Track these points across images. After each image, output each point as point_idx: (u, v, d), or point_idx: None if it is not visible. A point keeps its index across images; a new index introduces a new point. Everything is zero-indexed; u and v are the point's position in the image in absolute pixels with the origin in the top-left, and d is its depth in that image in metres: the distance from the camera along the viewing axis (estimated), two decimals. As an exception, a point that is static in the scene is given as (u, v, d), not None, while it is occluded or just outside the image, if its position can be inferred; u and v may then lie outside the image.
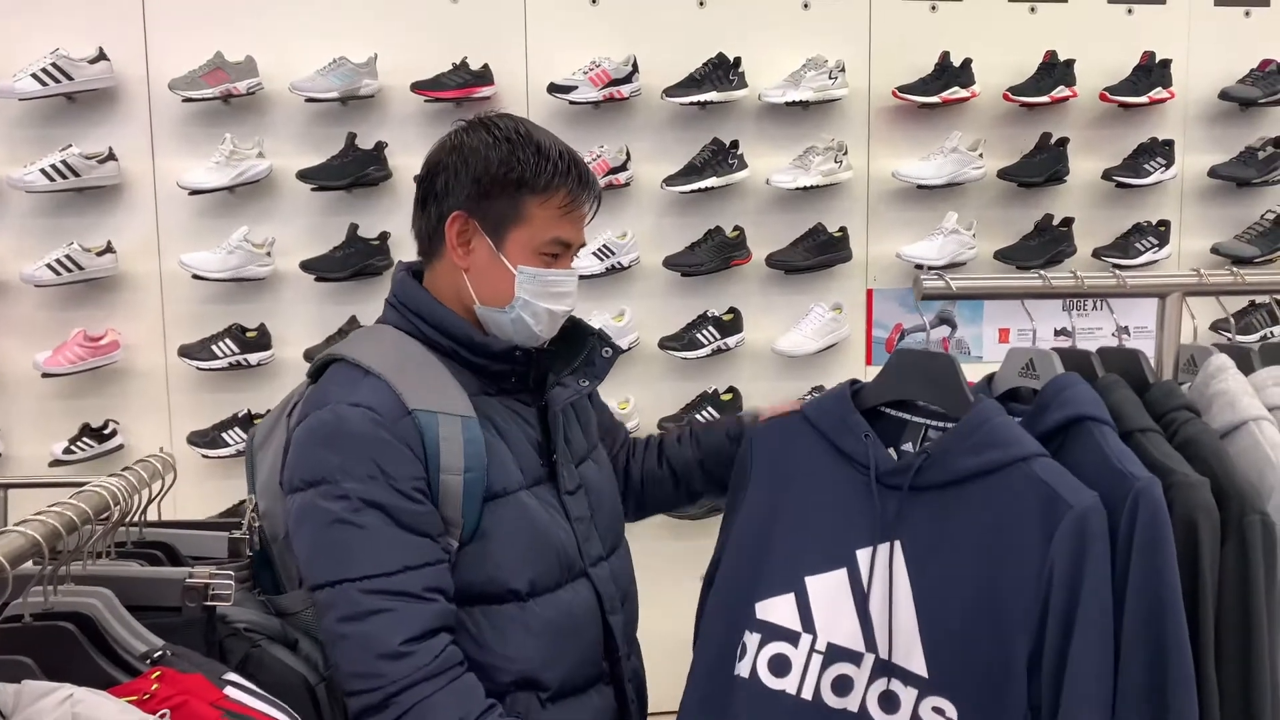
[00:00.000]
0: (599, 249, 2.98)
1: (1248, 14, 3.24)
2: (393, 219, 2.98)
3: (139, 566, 1.04)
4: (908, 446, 1.28)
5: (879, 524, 1.18)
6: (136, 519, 1.11)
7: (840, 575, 1.20)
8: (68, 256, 2.79)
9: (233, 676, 0.94)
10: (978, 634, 1.11)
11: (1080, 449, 1.13)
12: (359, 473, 1.15)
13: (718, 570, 1.34)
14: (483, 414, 1.25)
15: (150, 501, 1.09)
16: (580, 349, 1.38)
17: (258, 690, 0.94)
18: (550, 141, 1.30)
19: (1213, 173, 3.21)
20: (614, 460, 1.54)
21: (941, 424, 1.25)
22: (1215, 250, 3.23)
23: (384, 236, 2.95)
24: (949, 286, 1.20)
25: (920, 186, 3.11)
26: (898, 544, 1.16)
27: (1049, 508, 1.08)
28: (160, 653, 0.91)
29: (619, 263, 3.00)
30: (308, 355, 2.90)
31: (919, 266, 3.13)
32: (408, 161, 2.95)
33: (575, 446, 1.38)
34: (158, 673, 0.88)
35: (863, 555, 1.19)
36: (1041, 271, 1.28)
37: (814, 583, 1.22)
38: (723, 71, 3.00)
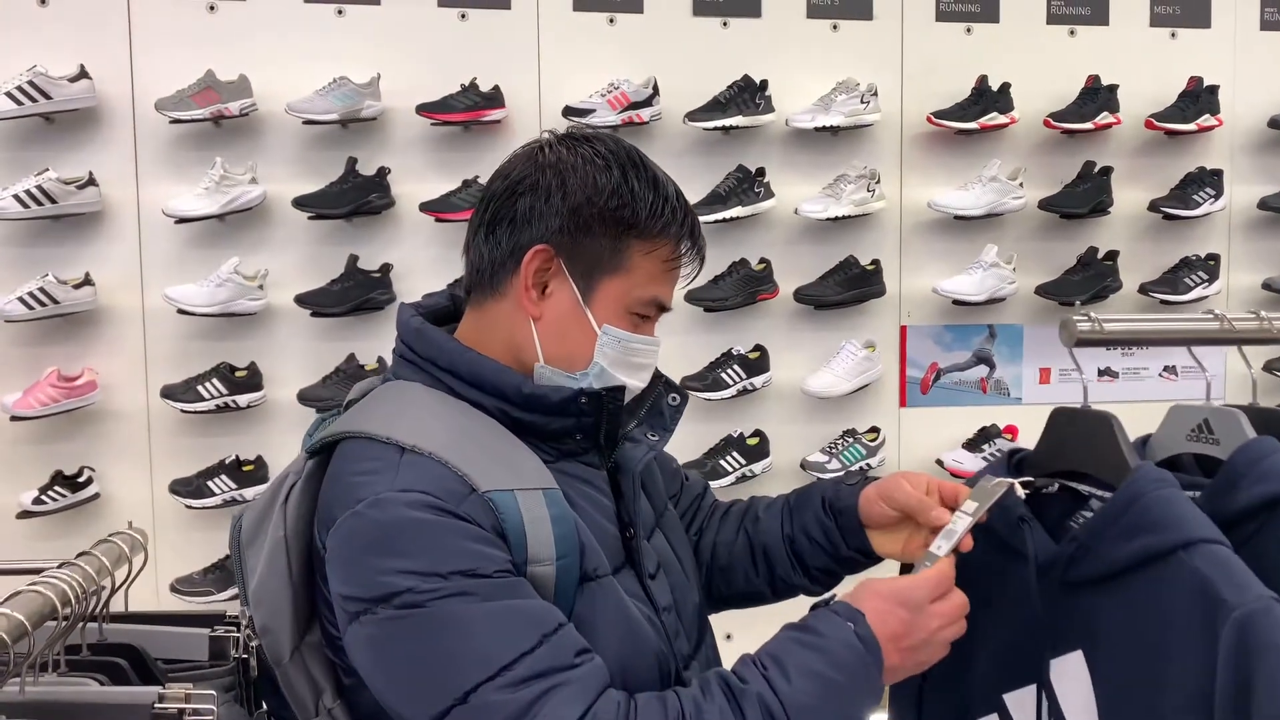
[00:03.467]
0: (617, 282, 2.78)
1: (1296, 38, 3.09)
2: (395, 250, 2.77)
3: (95, 686, 0.81)
4: (1076, 524, 1.06)
5: (1046, 629, 0.97)
6: (97, 611, 0.89)
7: (1031, 692, 1.02)
8: (41, 289, 2.57)
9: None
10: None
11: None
12: (433, 568, 0.90)
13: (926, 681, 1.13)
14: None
15: (115, 591, 0.86)
16: (644, 397, 1.13)
17: None
18: (665, 177, 1.08)
19: (1263, 204, 3.04)
20: (681, 518, 1.28)
21: (1108, 495, 1.03)
22: (1268, 286, 3.06)
23: (386, 268, 2.74)
24: (1101, 329, 0.99)
25: (957, 217, 2.93)
26: (1076, 653, 0.95)
27: (1209, 608, 0.86)
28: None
29: (638, 297, 2.80)
30: (302, 397, 2.68)
31: (956, 302, 2.95)
32: (411, 189, 2.76)
33: (646, 516, 1.15)
34: None
35: (1053, 664, 0.99)
36: (1217, 310, 1.07)
37: (1011, 700, 1.05)
38: (748, 95, 2.82)
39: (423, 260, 2.78)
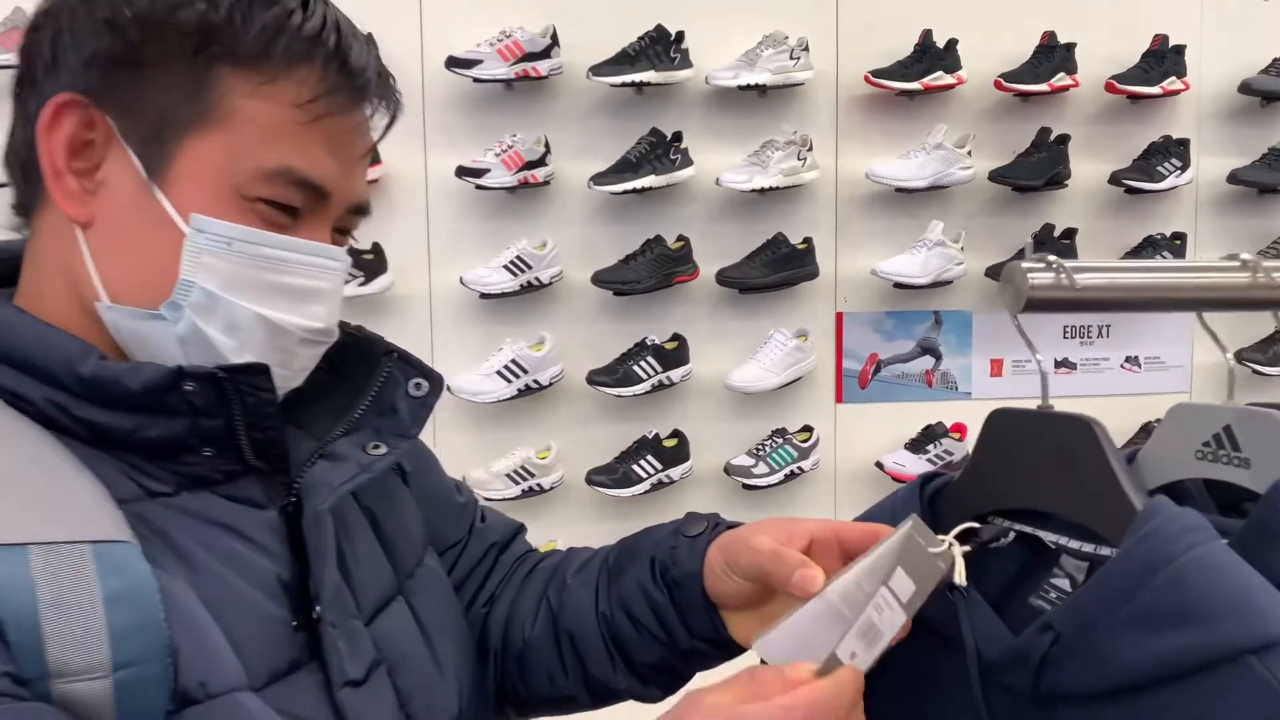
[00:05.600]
0: (511, 261, 2.42)
1: (1267, -4, 2.81)
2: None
3: None
4: (1045, 597, 0.69)
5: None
6: None
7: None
8: None
9: None
10: None
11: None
12: None
13: None
14: (149, 535, 0.60)
15: None
16: (360, 382, 0.75)
17: None
18: None
19: (1233, 178, 2.75)
20: (465, 581, 0.89)
21: (1093, 549, 0.66)
22: (1234, 178, 2.74)
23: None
24: (1071, 283, 0.63)
25: (899, 190, 2.60)
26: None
27: None
28: None
29: (537, 279, 2.44)
30: None
31: (897, 285, 2.62)
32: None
33: (366, 579, 0.73)
34: None
35: None
36: (1248, 256, 0.69)
37: None
38: (662, 48, 2.46)
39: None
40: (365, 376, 0.75)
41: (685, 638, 0.79)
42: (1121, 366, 2.86)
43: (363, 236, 2.49)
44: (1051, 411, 0.65)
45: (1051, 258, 0.62)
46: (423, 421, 0.76)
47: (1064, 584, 0.66)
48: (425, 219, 2.47)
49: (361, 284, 2.36)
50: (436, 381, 0.77)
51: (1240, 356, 2.79)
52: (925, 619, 0.65)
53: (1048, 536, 0.67)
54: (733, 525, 0.80)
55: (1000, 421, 0.69)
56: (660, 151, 2.47)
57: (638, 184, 2.44)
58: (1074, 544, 0.65)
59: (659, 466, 2.52)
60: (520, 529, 0.97)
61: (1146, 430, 2.81)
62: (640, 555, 0.83)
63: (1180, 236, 2.76)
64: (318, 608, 0.66)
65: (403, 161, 2.44)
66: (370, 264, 2.38)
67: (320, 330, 0.69)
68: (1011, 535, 0.68)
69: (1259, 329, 2.85)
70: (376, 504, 0.78)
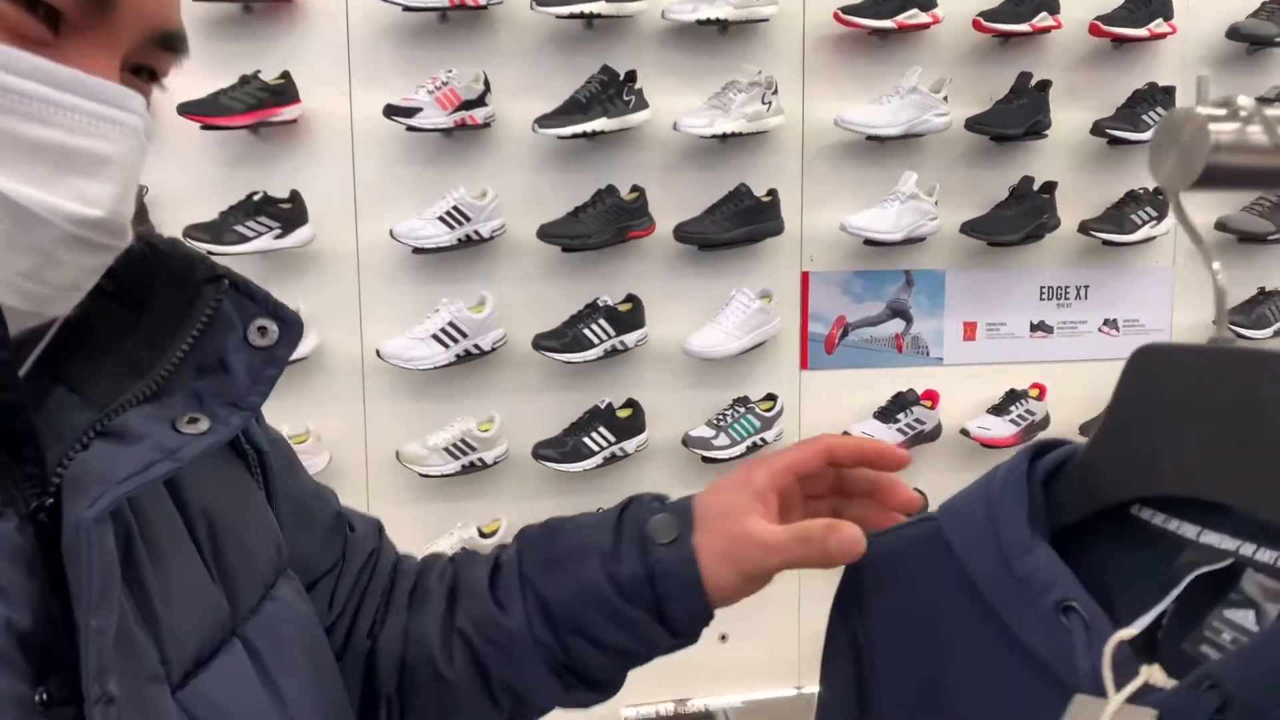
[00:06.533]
0: (448, 212, 2.18)
1: (1255, -65, 2.65)
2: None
3: None
4: (1213, 637, 0.46)
5: None
6: None
7: None
8: None
9: None
10: None
11: None
12: None
13: None
14: None
15: None
16: (176, 323, 0.52)
17: None
18: None
19: (1219, 128, 2.60)
20: (340, 613, 0.69)
21: None
22: (1221, 226, 2.62)
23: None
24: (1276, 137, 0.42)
25: (870, 138, 2.41)
26: None
27: None
28: None
29: (476, 232, 2.20)
30: None
31: (868, 241, 2.43)
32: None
33: (181, 621, 0.50)
34: None
35: None
36: None
37: None
38: (615, -24, 2.23)
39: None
40: (180, 315, 0.52)
41: (668, 641, 0.67)
42: (1099, 330, 2.71)
43: (279, 183, 2.26)
44: (1239, 348, 0.45)
45: (1243, 99, 0.42)
46: (269, 384, 0.53)
47: (1245, 618, 0.45)
48: (350, 164, 2.22)
49: (278, 237, 2.11)
50: (292, 326, 0.54)
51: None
52: (1028, 646, 0.45)
53: (1223, 543, 0.47)
54: (674, 505, 0.68)
55: (1152, 364, 0.49)
56: (612, 92, 2.24)
57: (587, 127, 2.20)
58: (1266, 555, 0.44)
59: (612, 439, 2.31)
60: (380, 527, 0.76)
61: (1125, 397, 2.67)
62: (575, 561, 0.66)
63: (1163, 192, 2.60)
64: (83, 659, 0.43)
65: (324, 100, 2.18)
66: (287, 214, 2.12)
67: (99, 223, 0.45)
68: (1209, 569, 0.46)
69: (1242, 291, 2.71)
70: (214, 507, 0.55)
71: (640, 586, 0.63)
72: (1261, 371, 0.44)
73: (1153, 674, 0.43)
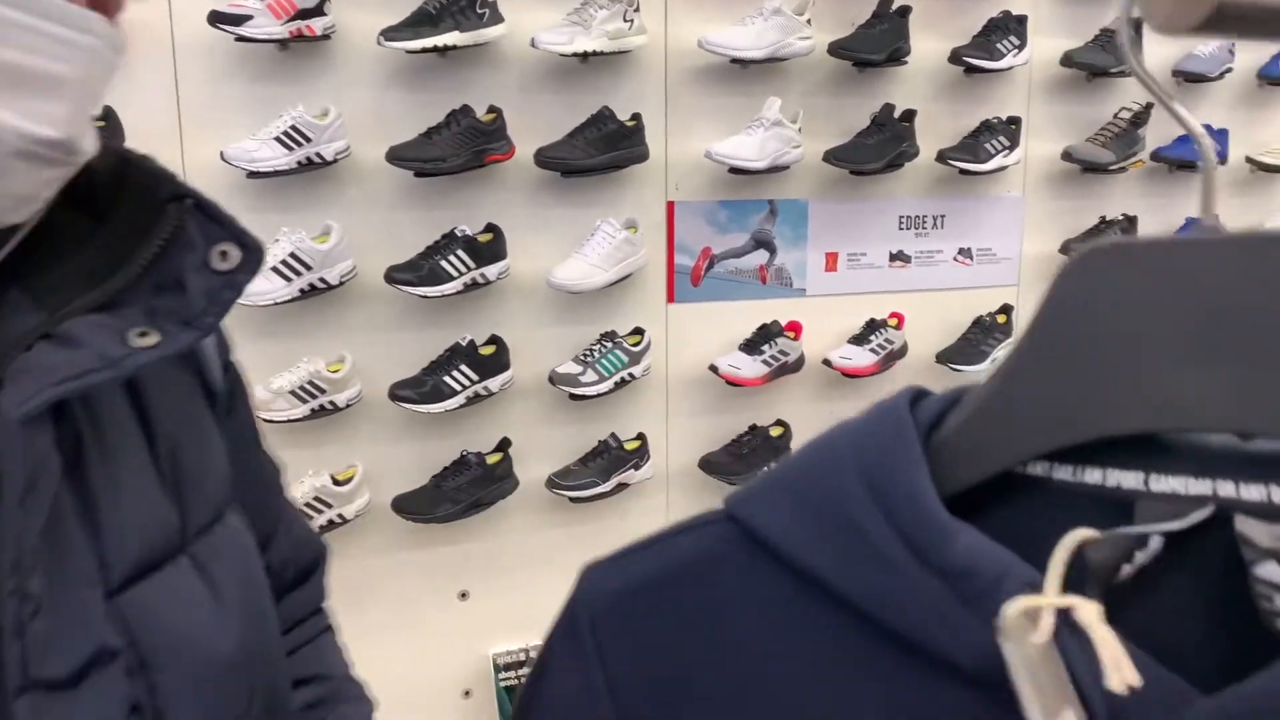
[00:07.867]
0: (285, 132, 1.98)
1: None
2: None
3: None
4: (1272, 598, 0.35)
5: None
6: None
7: None
8: None
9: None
10: None
11: None
12: None
13: None
14: None
15: None
16: (137, 239, 0.53)
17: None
18: None
19: (1066, 60, 2.66)
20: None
21: None
22: (1067, 155, 2.69)
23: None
24: None
25: (735, 60, 2.33)
26: None
27: None
28: None
29: (318, 154, 2.02)
30: None
31: (733, 170, 2.37)
32: None
33: (126, 524, 0.51)
34: None
35: None
36: None
37: None
38: (465, -122, 2.06)
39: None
40: (142, 231, 0.53)
41: None
42: (954, 259, 2.75)
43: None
44: (1242, 234, 0.35)
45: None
46: (225, 307, 0.54)
47: (1275, 573, 0.35)
48: (173, 79, 1.98)
49: (89, 158, 1.87)
50: (254, 252, 0.55)
51: (1066, 248, 2.74)
52: (916, 642, 0.37)
53: (1191, 487, 0.37)
54: None
55: (1097, 272, 0.38)
56: (465, 3, 2.08)
57: (438, 40, 2.04)
58: (1253, 492, 0.35)
59: (475, 377, 2.18)
60: (321, 560, 0.76)
61: (979, 324, 2.72)
62: None
63: (1015, 121, 2.65)
64: None
65: (140, 5, 1.93)
66: (101, 134, 1.88)
67: (53, 143, 0.47)
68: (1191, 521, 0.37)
69: (1083, 220, 2.81)
70: (179, 430, 0.56)
71: None
72: (1273, 259, 0.34)
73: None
